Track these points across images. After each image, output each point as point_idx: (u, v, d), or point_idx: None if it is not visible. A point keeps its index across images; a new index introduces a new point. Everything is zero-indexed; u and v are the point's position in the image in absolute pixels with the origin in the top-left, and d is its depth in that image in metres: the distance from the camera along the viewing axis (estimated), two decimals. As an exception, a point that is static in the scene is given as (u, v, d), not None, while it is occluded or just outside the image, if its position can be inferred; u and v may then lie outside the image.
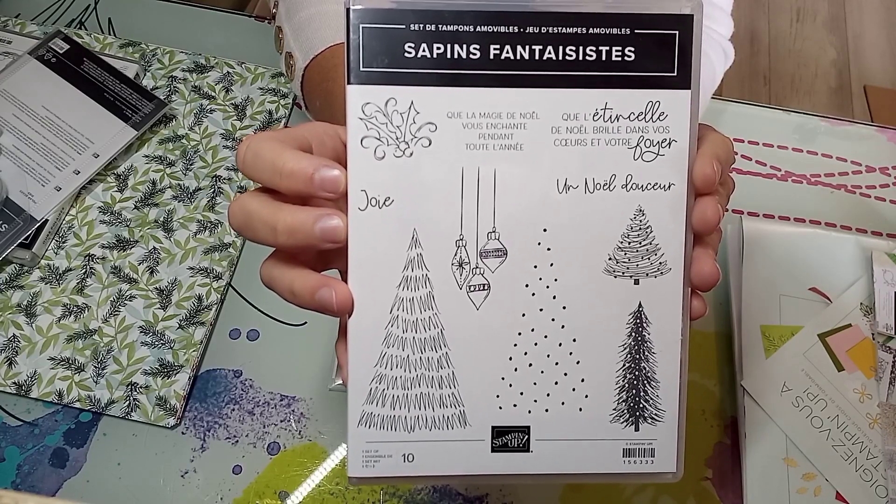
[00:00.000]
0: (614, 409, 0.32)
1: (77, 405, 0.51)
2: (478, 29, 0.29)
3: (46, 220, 0.57)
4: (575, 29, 0.30)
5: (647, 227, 0.31)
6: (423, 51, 0.29)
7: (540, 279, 0.31)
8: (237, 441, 0.52)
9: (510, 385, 0.32)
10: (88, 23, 0.70)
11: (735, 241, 0.59)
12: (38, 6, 0.70)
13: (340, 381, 0.53)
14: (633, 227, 0.31)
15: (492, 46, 0.29)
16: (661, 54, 0.30)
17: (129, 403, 0.52)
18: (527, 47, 0.30)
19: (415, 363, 0.31)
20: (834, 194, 0.65)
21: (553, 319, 0.31)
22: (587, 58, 0.30)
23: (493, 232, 0.31)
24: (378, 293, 0.31)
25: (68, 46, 0.63)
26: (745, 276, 0.57)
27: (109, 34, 0.69)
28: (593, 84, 0.30)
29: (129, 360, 0.53)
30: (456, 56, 0.29)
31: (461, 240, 0.30)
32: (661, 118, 0.30)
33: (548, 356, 0.32)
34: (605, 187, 0.31)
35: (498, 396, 0.32)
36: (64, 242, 0.57)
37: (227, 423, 0.52)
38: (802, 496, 0.50)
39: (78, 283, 0.56)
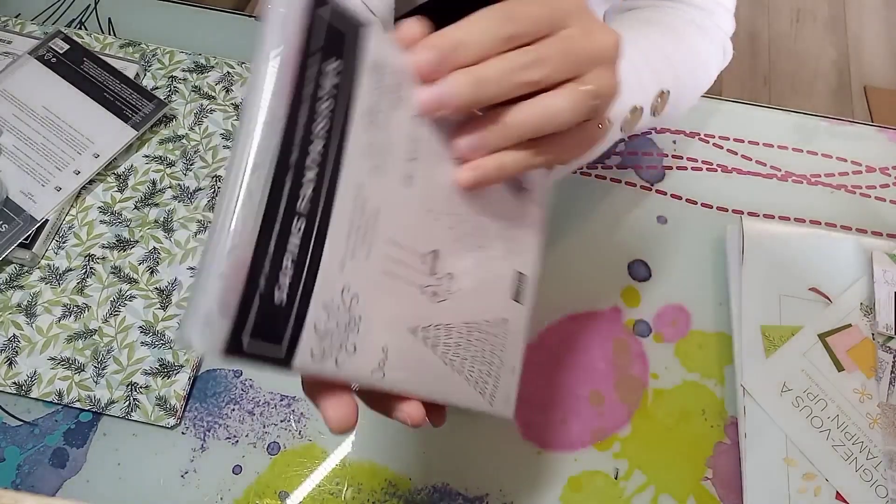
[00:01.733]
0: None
1: (77, 405, 0.51)
2: None
3: (46, 220, 0.57)
4: None
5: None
6: None
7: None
8: (237, 441, 0.52)
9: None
10: (88, 23, 0.70)
11: (735, 241, 0.59)
12: (38, 6, 0.70)
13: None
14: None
15: None
16: None
17: (129, 403, 0.52)
18: None
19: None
20: (834, 194, 0.65)
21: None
22: None
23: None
24: None
25: (68, 46, 0.63)
26: (745, 276, 0.57)
27: (109, 34, 0.69)
28: None
29: (129, 360, 0.53)
30: None
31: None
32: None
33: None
34: None
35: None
36: (64, 242, 0.57)
37: (227, 423, 0.52)
38: (802, 496, 0.50)
39: (78, 283, 0.56)
